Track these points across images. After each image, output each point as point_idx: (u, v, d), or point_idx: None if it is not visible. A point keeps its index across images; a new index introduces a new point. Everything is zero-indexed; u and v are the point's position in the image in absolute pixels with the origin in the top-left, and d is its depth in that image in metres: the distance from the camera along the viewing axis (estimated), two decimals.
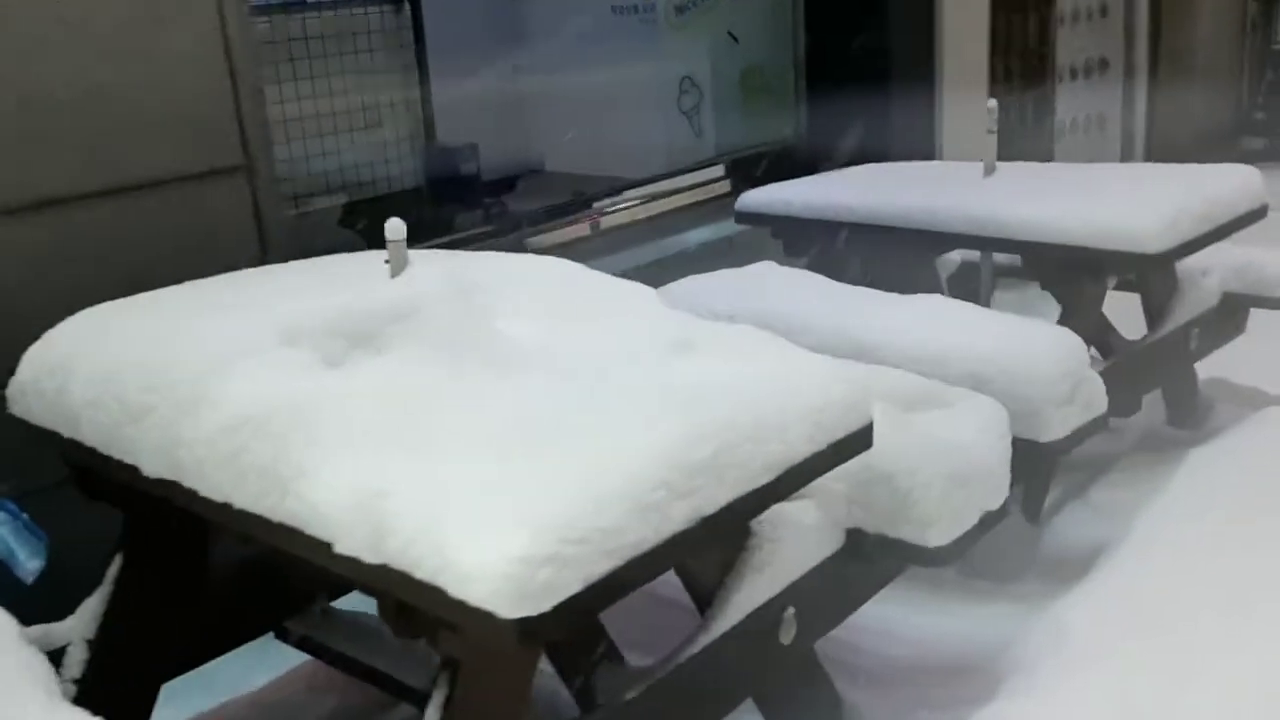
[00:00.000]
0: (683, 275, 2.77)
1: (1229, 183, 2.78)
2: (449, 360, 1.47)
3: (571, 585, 1.14)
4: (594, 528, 1.16)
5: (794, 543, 1.77)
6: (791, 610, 1.76)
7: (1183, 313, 2.97)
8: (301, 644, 2.04)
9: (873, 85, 4.34)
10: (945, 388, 2.04)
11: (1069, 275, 2.62)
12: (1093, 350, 2.64)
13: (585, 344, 1.60)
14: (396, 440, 1.29)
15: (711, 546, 1.64)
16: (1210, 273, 3.13)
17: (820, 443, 1.47)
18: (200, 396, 1.41)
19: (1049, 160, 5.06)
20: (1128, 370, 2.75)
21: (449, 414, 1.35)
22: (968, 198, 2.76)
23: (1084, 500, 2.70)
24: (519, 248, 3.50)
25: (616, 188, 3.93)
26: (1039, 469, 2.63)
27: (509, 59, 3.91)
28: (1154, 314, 2.97)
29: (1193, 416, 3.15)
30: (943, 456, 1.82)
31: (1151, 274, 2.64)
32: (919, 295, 2.55)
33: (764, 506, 1.42)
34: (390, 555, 1.17)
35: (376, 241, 1.67)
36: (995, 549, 2.60)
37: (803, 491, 1.84)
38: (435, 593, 1.13)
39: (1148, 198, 2.61)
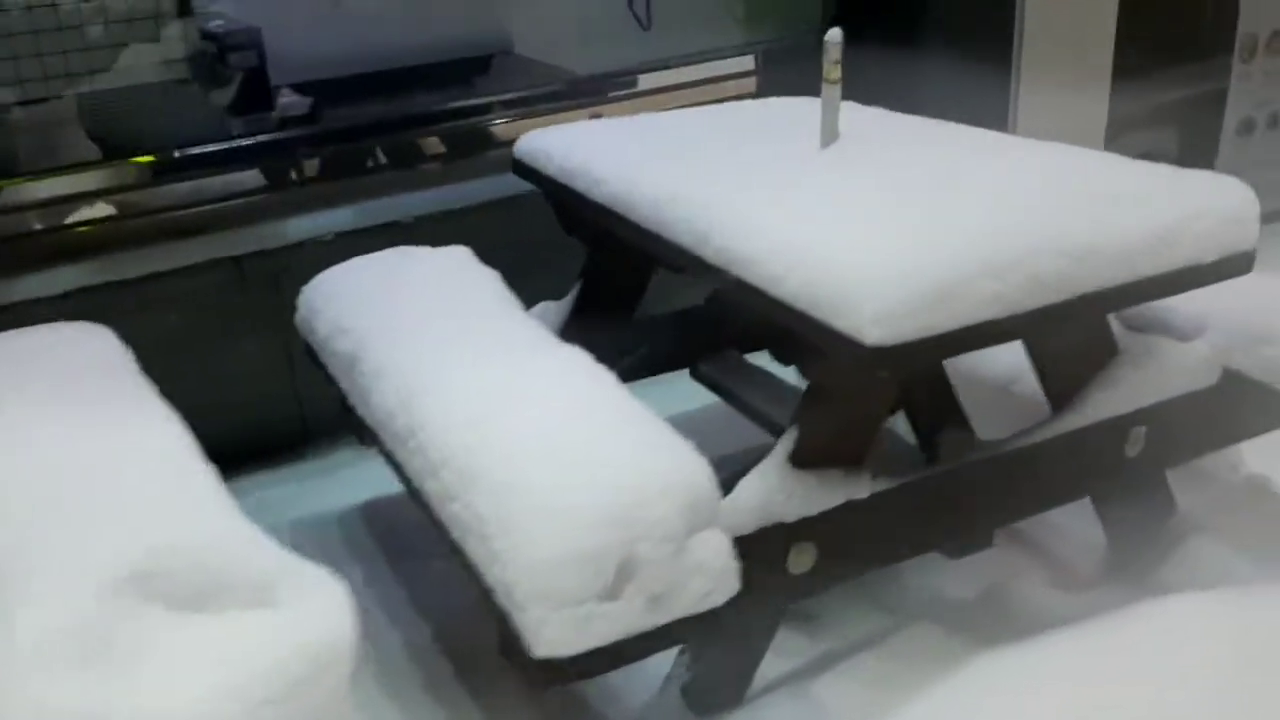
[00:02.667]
0: None
1: (1181, 209, 1.60)
2: None
3: None
4: None
5: None
6: None
7: (1118, 396, 1.83)
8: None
9: None
10: (292, 565, 1.19)
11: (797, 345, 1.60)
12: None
13: None
14: None
15: None
16: (1206, 331, 1.94)
17: None
18: None
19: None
20: (938, 493, 1.71)
21: None
22: (727, 187, 1.74)
23: (801, 689, 1.71)
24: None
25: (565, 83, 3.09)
26: (744, 638, 1.69)
27: None
28: (1056, 394, 1.85)
29: (1146, 554, 2.02)
30: None
31: (874, 373, 1.53)
32: (565, 350, 1.64)
33: None
34: None
35: None
36: None
37: None
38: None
39: (978, 228, 1.51)
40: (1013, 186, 1.65)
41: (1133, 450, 1.87)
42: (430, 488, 1.49)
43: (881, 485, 1.65)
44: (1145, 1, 3.41)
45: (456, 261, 1.94)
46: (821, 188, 1.71)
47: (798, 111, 2.25)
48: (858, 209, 1.60)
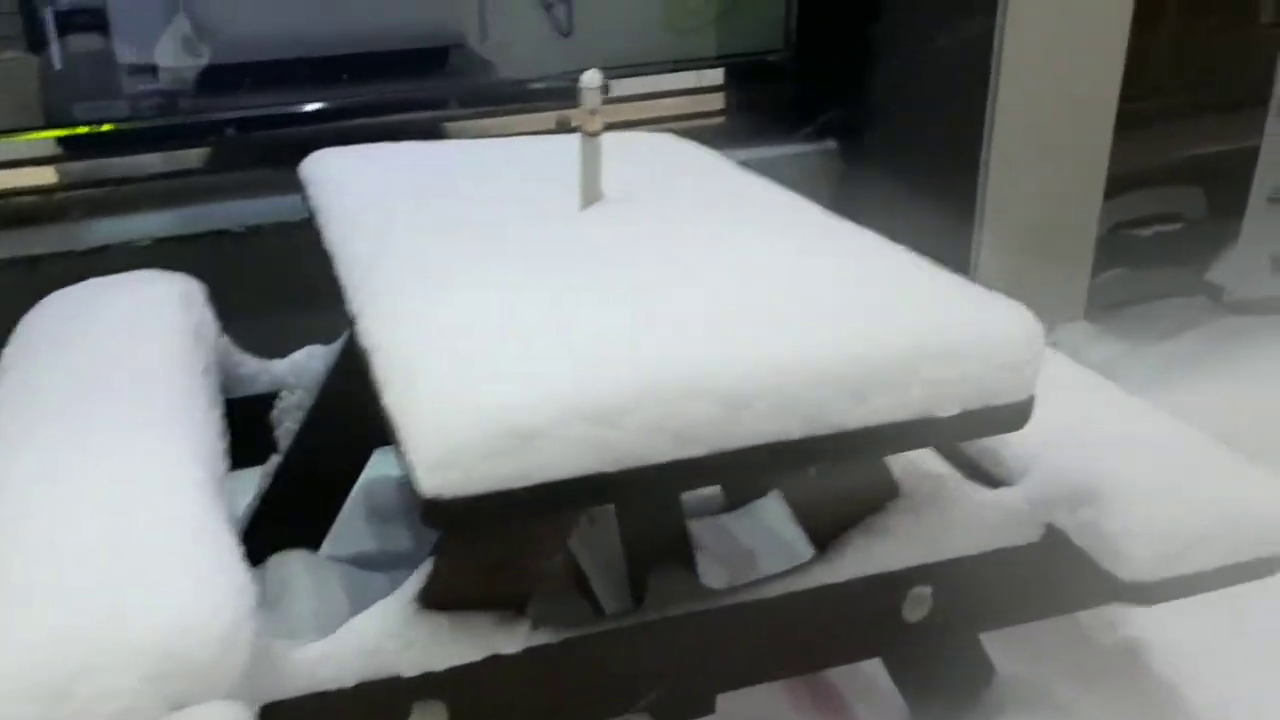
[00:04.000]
0: None
1: (916, 345, 1.24)
2: None
3: None
4: None
5: None
6: None
7: (889, 549, 1.48)
8: None
9: None
10: None
11: None
12: None
13: None
14: None
15: None
16: (1028, 476, 1.57)
17: None
18: None
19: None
20: (629, 649, 1.40)
21: None
22: (417, 260, 1.45)
23: None
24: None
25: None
26: None
27: None
28: (814, 538, 1.52)
29: None
30: None
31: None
32: (175, 438, 1.38)
33: None
34: None
35: None
36: None
37: None
38: None
39: (609, 354, 1.18)
40: (717, 296, 1.31)
41: (914, 614, 1.52)
42: None
43: (544, 637, 1.36)
44: (1164, 37, 2.98)
45: (163, 300, 1.69)
46: (518, 273, 1.40)
47: (632, 153, 1.93)
48: (520, 310, 1.29)
